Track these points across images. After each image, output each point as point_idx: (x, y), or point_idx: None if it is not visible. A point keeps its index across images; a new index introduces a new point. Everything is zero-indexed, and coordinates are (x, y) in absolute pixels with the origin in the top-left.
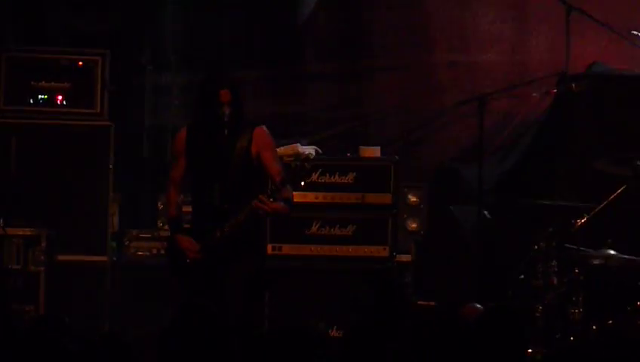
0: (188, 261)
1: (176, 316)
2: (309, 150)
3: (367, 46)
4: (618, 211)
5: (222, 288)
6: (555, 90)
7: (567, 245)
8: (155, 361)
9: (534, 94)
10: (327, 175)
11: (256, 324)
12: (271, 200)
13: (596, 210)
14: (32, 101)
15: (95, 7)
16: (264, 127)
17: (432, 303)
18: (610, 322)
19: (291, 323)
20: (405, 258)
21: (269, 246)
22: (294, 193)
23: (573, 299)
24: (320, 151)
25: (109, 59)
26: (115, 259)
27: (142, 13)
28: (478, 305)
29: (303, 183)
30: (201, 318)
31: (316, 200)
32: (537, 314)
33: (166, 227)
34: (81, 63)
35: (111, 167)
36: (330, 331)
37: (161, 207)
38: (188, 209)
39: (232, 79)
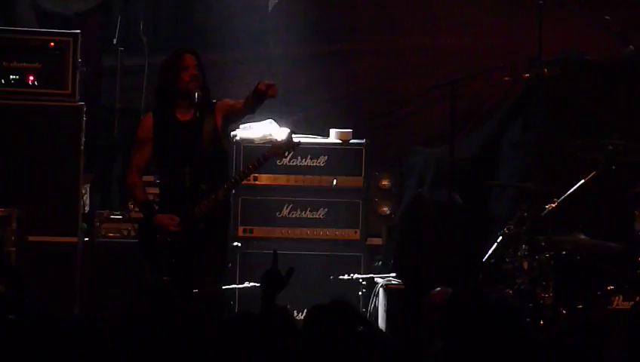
0: (167, 241)
1: (133, 298)
2: (282, 132)
3: (339, 29)
4: (589, 196)
5: (196, 271)
6: (527, 75)
7: (538, 229)
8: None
9: (506, 78)
10: (299, 158)
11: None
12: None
13: (567, 194)
14: (3, 81)
15: None
16: (224, 100)
17: (402, 286)
18: (580, 307)
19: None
20: (376, 241)
21: (240, 229)
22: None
23: (544, 283)
24: (292, 133)
25: (80, 40)
26: (85, 239)
27: None
28: (450, 289)
29: (289, 154)
30: (158, 300)
31: (287, 183)
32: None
33: (137, 209)
34: (52, 44)
35: (82, 147)
36: (298, 314)
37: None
38: (151, 191)
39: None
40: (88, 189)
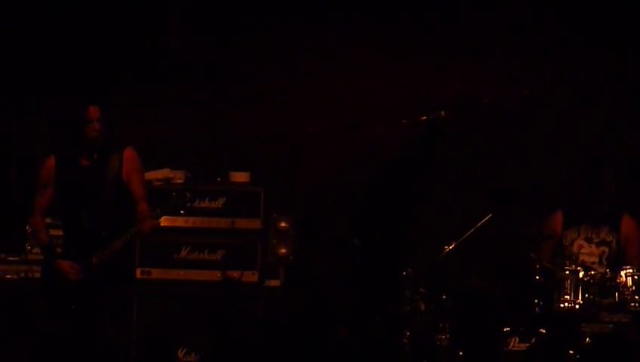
0: (68, 285)
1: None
2: (180, 175)
3: (237, 73)
4: (485, 238)
5: (95, 314)
6: (424, 118)
7: (435, 271)
8: None
9: (404, 121)
10: (197, 200)
11: (123, 348)
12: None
13: (463, 237)
14: None
15: None
16: (133, 149)
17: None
18: (477, 348)
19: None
20: (274, 283)
21: (138, 271)
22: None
23: (440, 325)
24: (190, 175)
25: None
26: None
27: (10, 38)
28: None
29: (182, 211)
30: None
31: (186, 225)
32: (405, 341)
33: (34, 250)
34: None
35: None
36: (192, 355)
37: (29, 230)
38: (55, 233)
39: (100, 100)
40: None
